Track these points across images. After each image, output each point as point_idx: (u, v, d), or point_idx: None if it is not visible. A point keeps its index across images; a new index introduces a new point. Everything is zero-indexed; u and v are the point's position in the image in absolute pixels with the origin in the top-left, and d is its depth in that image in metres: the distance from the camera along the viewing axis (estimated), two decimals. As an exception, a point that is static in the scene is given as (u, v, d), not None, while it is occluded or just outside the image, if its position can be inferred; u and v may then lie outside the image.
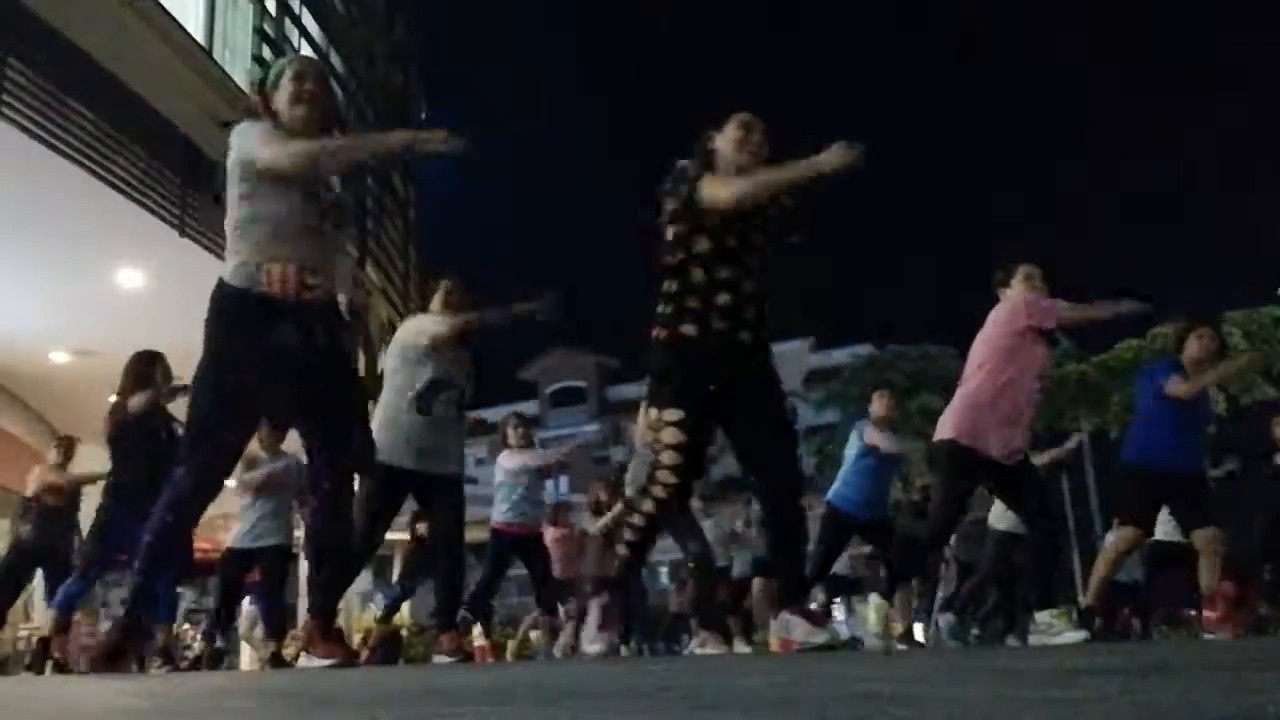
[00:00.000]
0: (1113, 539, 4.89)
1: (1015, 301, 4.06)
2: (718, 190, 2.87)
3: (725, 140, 3.03)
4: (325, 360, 2.80)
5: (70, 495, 6.15)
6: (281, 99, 2.86)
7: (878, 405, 5.98)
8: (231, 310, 2.73)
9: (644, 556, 3.16)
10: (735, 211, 2.87)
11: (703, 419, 2.94)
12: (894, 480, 6.20)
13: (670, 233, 2.95)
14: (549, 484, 6.75)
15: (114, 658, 2.83)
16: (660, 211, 2.99)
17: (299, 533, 8.96)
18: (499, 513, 6.21)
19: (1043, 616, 3.95)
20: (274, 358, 2.70)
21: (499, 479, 6.30)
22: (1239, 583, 4.62)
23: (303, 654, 3.07)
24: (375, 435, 4.08)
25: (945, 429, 4.12)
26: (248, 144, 2.76)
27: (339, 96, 3.08)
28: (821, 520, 6.01)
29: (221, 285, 2.76)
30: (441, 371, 4.08)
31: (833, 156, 2.72)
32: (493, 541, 6.28)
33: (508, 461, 6.24)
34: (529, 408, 36.61)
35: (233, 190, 2.78)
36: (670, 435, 2.89)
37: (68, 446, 6.25)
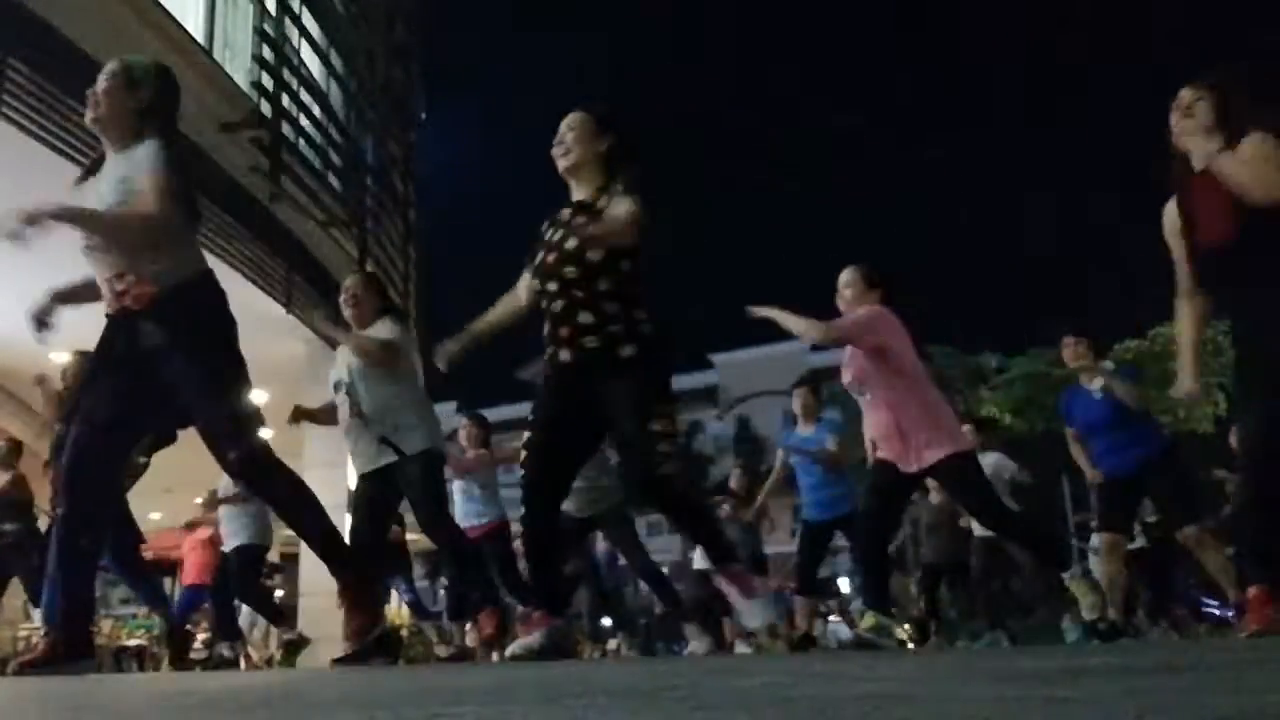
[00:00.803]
0: (1100, 550, 5.06)
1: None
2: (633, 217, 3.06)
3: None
4: (163, 358, 2.84)
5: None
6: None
7: (797, 403, 6.13)
8: (99, 340, 2.96)
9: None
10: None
11: (547, 439, 3.10)
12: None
13: None
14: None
15: (53, 661, 2.80)
16: None
17: (289, 532, 8.96)
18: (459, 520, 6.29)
19: (1069, 578, 4.08)
20: (120, 370, 2.87)
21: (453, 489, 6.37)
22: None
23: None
24: (427, 425, 4.26)
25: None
26: None
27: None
28: (799, 525, 6.13)
29: (212, 281, 3.00)
30: (337, 374, 4.27)
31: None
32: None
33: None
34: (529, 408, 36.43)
35: None
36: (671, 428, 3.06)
37: (13, 448, 6.27)
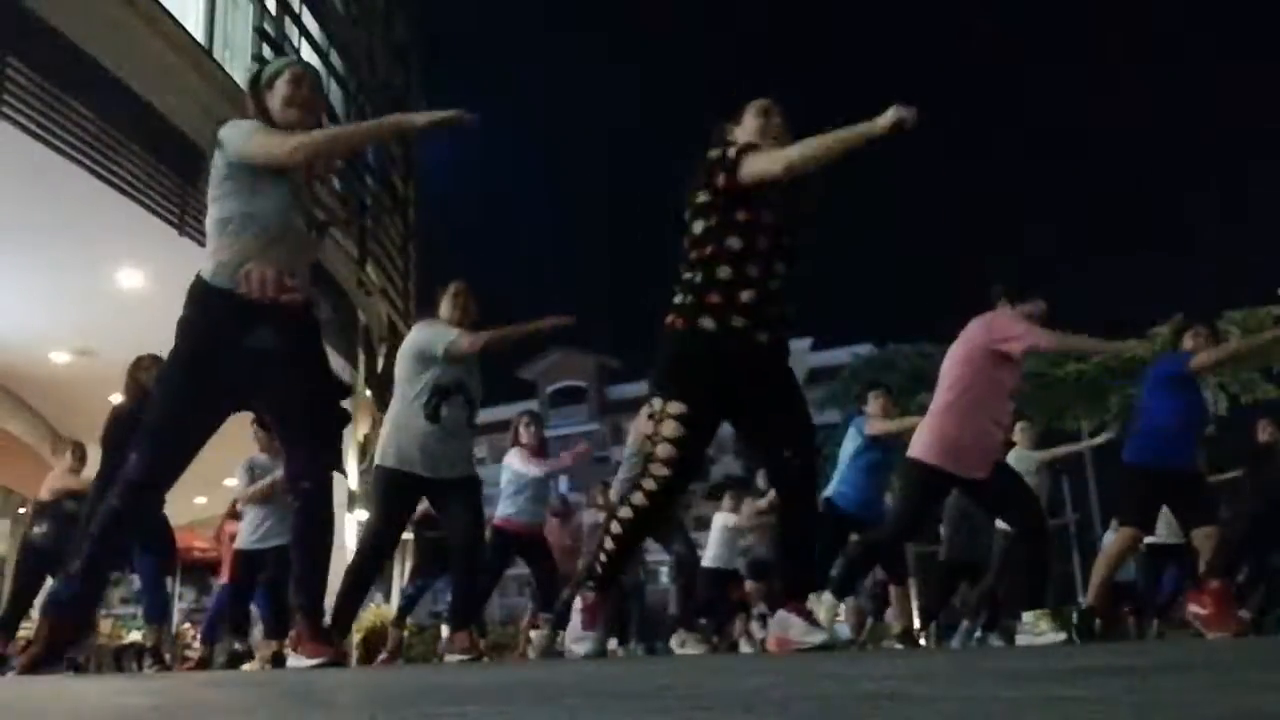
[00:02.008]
0: (1113, 539, 4.91)
1: (985, 322, 4.04)
2: (764, 164, 2.74)
3: (745, 131, 2.96)
4: (300, 362, 2.79)
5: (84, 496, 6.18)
6: (275, 100, 2.83)
7: (874, 405, 6.01)
8: (210, 310, 2.71)
9: (630, 553, 3.03)
10: (784, 183, 2.76)
11: (707, 416, 2.85)
12: (890, 480, 6.20)
13: (699, 226, 2.87)
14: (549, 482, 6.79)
15: (50, 654, 2.80)
16: (689, 204, 2.91)
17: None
18: (503, 509, 6.22)
19: (1029, 617, 3.96)
20: (250, 360, 2.70)
21: (506, 477, 6.31)
22: (1228, 580, 4.63)
23: (291, 653, 3.07)
24: (384, 440, 4.11)
25: (915, 447, 4.14)
26: (241, 140, 2.71)
27: (328, 106, 3.06)
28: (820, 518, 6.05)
29: (201, 283, 2.73)
30: (451, 377, 4.06)
31: (884, 120, 2.56)
32: (494, 538, 6.27)
33: (517, 463, 6.24)
34: (529, 407, 36.64)
35: (218, 188, 2.74)
36: (670, 429, 2.80)
37: (81, 451, 6.26)
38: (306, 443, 2.85)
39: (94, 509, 5.19)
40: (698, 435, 2.83)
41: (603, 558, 2.97)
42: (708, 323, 2.80)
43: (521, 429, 6.32)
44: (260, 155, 2.69)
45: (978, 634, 6.81)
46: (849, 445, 6.06)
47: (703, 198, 2.87)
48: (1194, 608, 4.59)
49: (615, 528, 2.92)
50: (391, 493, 4.09)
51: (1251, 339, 5.37)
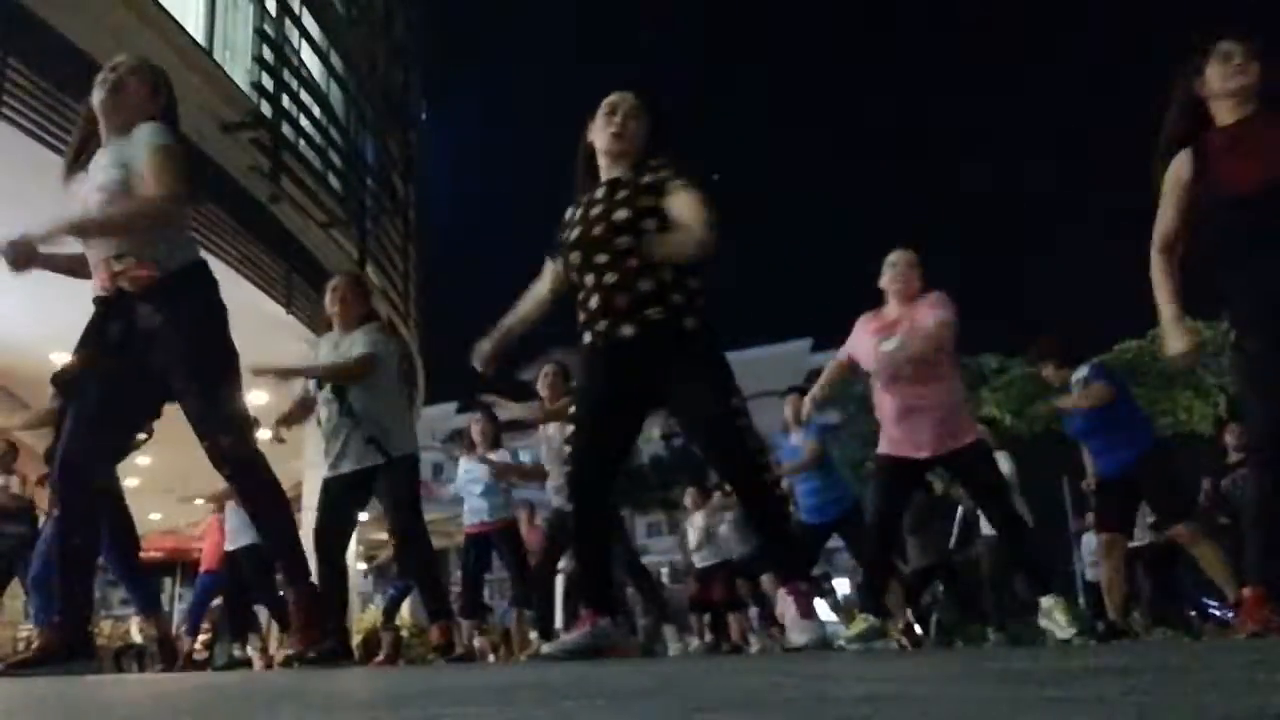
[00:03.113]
0: (1099, 550, 5.11)
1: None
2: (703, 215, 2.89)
3: (594, 132, 3.11)
4: (160, 342, 2.80)
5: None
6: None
7: (790, 409, 6.18)
8: (94, 322, 2.86)
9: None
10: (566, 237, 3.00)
11: (603, 424, 2.93)
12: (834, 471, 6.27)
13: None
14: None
15: (43, 662, 2.80)
16: None
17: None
18: (465, 517, 6.36)
19: (1046, 602, 3.99)
20: (114, 354, 2.79)
21: (459, 486, 6.42)
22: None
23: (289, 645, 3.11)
24: (402, 428, 4.26)
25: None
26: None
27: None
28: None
29: (205, 271, 2.96)
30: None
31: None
32: (463, 545, 6.42)
33: (463, 465, 6.37)
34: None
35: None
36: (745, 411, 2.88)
37: (8, 449, 6.25)
38: (196, 426, 2.85)
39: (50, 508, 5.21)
40: (585, 440, 2.94)
41: (789, 543, 2.98)
42: (586, 338, 2.96)
43: (474, 428, 6.44)
44: None
45: (996, 636, 6.83)
46: (784, 458, 6.23)
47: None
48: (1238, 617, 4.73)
49: (786, 508, 3.01)
50: (321, 496, 4.28)
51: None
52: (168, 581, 16.62)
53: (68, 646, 2.83)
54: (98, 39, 6.68)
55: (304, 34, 10.49)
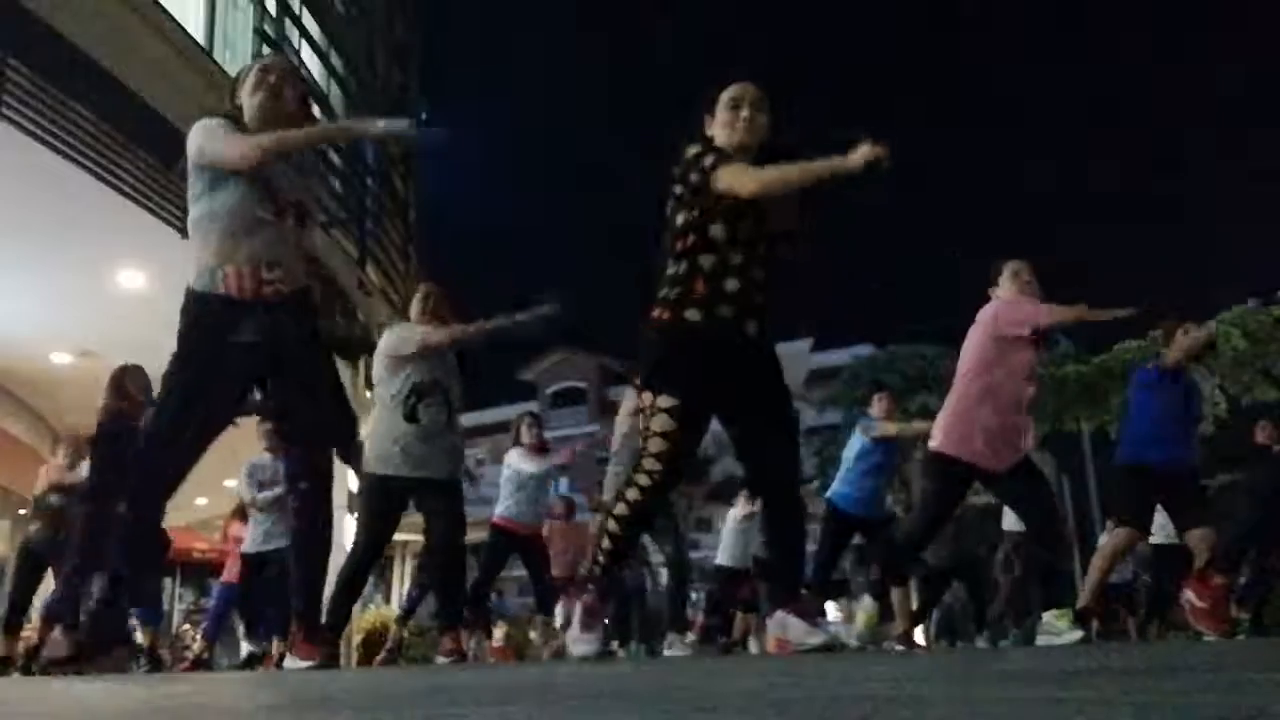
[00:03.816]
0: (1109, 539, 4.93)
1: (993, 308, 4.01)
2: (738, 180, 2.72)
3: (717, 124, 2.92)
4: (293, 356, 2.78)
5: (75, 492, 6.15)
6: (245, 90, 2.92)
7: (878, 408, 6.04)
8: (194, 314, 2.76)
9: (627, 550, 2.99)
10: (755, 199, 2.73)
11: (698, 409, 2.80)
12: (891, 481, 6.25)
13: (681, 218, 2.83)
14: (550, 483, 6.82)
15: (78, 659, 2.81)
16: (669, 196, 2.87)
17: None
18: (502, 508, 6.25)
19: (1049, 616, 3.96)
20: (240, 357, 2.72)
21: (506, 475, 6.34)
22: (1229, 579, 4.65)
23: (287, 656, 3.07)
24: (367, 445, 4.11)
25: (934, 438, 4.10)
26: (202, 140, 2.78)
27: (305, 85, 3.09)
28: (822, 520, 6.05)
29: (187, 290, 2.79)
30: (425, 376, 4.07)
31: (857, 156, 2.56)
32: (491, 536, 6.30)
33: (519, 462, 6.27)
34: (529, 408, 36.58)
35: (190, 190, 2.80)
36: (661, 423, 2.75)
37: (78, 446, 6.24)
38: (299, 441, 2.85)
39: (88, 512, 5.20)
40: (689, 429, 2.79)
41: (599, 556, 2.95)
42: (693, 314, 2.77)
43: (523, 429, 6.36)
44: (213, 158, 2.75)
45: (1015, 634, 6.81)
46: (853, 446, 6.08)
47: (681, 190, 2.84)
48: (1190, 595, 4.60)
49: (611, 525, 2.88)
50: (375, 496, 4.11)
51: (1209, 325, 5.30)
52: (168, 581, 16.62)
53: (102, 642, 2.87)
54: (98, 39, 6.68)
55: (304, 34, 10.49)
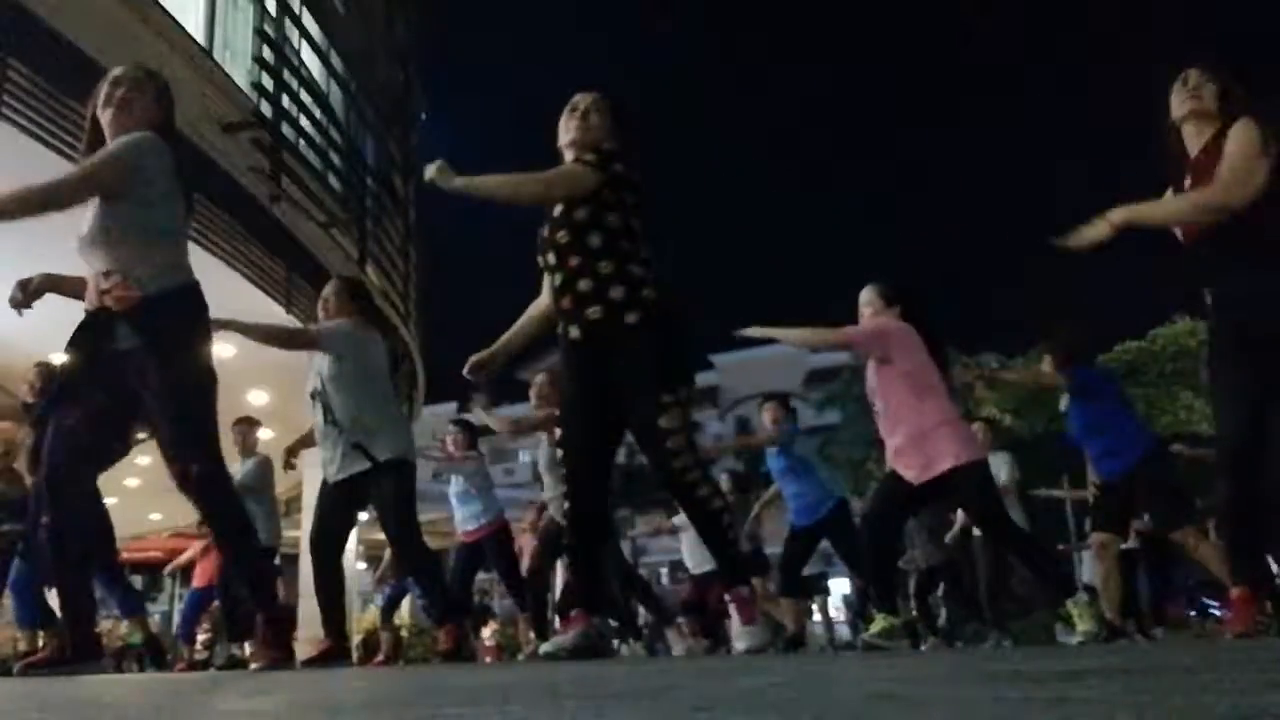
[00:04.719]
0: (1094, 551, 5.12)
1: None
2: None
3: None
4: (135, 363, 2.81)
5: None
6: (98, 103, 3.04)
7: (768, 416, 6.22)
8: (78, 332, 2.88)
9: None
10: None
11: (582, 426, 2.97)
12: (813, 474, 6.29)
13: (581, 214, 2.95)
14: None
15: (54, 665, 2.82)
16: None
17: (296, 532, 8.96)
18: (456, 524, 6.46)
19: (1072, 606, 4.06)
20: (119, 364, 2.81)
21: (452, 492, 6.50)
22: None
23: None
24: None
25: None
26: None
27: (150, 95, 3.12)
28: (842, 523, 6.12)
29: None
30: (313, 381, 4.25)
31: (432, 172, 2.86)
32: (458, 551, 6.51)
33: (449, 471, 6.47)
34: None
35: None
36: (682, 417, 2.83)
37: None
38: (165, 450, 2.88)
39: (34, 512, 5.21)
40: (570, 443, 3.01)
41: (731, 552, 3.00)
42: (649, 294, 2.91)
43: (447, 440, 6.55)
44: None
45: (996, 636, 6.82)
46: (774, 466, 6.27)
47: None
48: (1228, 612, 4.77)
49: (727, 519, 2.96)
50: (319, 499, 4.28)
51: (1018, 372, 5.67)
52: (168, 581, 16.60)
53: (76, 648, 2.85)
54: (98, 39, 6.67)
55: (304, 34, 10.48)
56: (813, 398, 23.87)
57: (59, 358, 9.28)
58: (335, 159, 10.90)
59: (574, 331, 2.90)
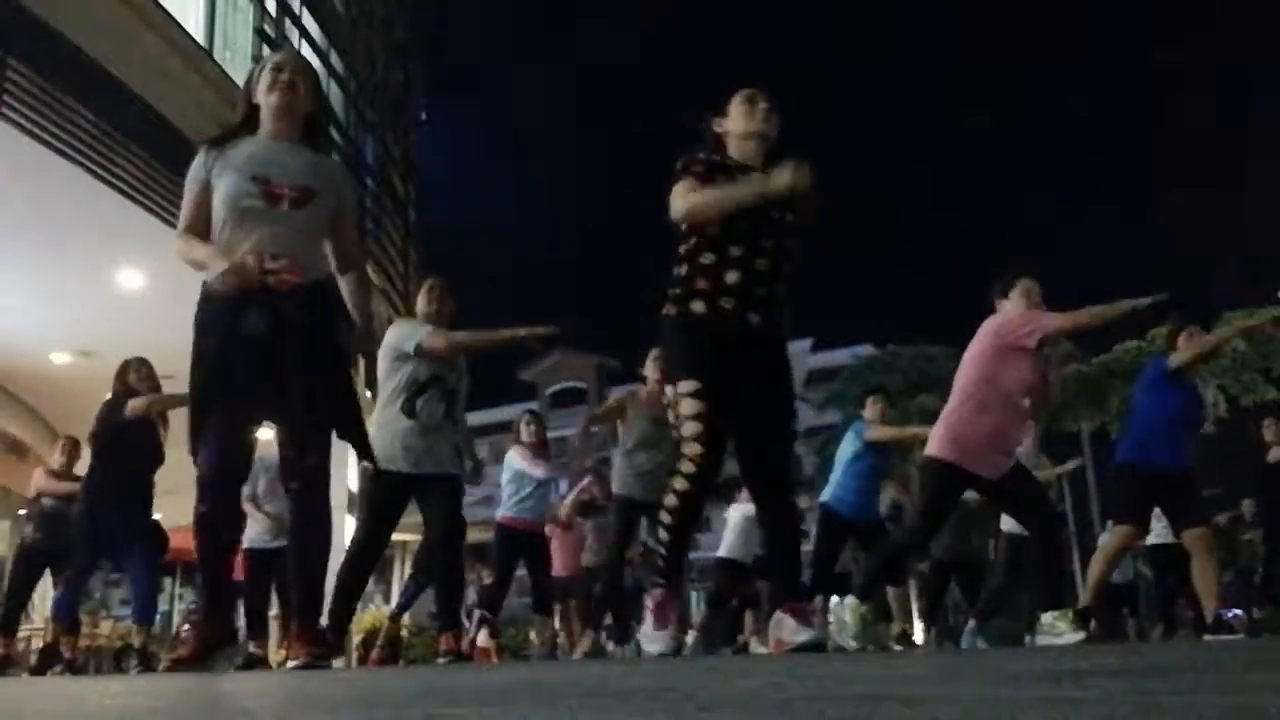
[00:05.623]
0: (1108, 539, 4.94)
1: (1000, 320, 4.03)
2: (673, 201, 2.88)
3: (732, 121, 3.03)
4: (299, 346, 2.73)
5: (73, 496, 6.15)
6: (260, 89, 2.86)
7: (871, 411, 6.05)
8: (203, 309, 2.75)
9: (688, 540, 3.01)
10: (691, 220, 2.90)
11: (719, 387, 2.86)
12: (880, 485, 6.23)
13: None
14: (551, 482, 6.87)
15: (200, 659, 2.80)
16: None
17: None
18: (505, 507, 6.26)
19: (1048, 618, 3.95)
20: (243, 347, 2.69)
21: (507, 475, 6.36)
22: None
23: (287, 655, 3.08)
24: (372, 440, 4.10)
25: (932, 444, 4.11)
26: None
27: (315, 75, 3.04)
28: (817, 523, 6.06)
29: (202, 286, 2.79)
30: (425, 373, 4.07)
31: (781, 179, 2.73)
32: (498, 536, 6.31)
33: (518, 461, 6.29)
34: (529, 408, 36.56)
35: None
36: (690, 406, 2.83)
37: (72, 447, 6.24)
38: (291, 440, 2.79)
39: (86, 507, 5.21)
40: (715, 407, 2.85)
41: (662, 551, 2.99)
42: (698, 306, 2.88)
43: (522, 427, 6.38)
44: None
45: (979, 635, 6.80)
46: (846, 449, 6.08)
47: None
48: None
49: (666, 518, 2.93)
50: (377, 493, 4.14)
51: (1222, 331, 5.33)
52: (168, 581, 16.60)
53: (220, 639, 2.87)
54: (98, 39, 6.68)
55: (304, 34, 10.49)
56: (813, 398, 23.86)
57: (59, 358, 9.28)
58: (334, 158, 10.92)
59: (755, 319, 2.90)
